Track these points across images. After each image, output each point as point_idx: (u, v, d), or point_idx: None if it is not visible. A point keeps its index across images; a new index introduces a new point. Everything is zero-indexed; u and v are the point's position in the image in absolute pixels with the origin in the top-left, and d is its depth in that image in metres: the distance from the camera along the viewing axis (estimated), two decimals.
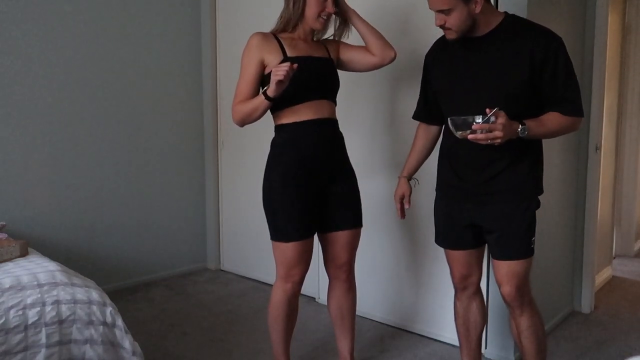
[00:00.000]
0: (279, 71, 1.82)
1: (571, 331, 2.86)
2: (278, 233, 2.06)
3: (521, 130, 1.73)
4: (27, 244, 2.27)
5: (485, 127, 1.65)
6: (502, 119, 1.66)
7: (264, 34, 2.04)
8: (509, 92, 1.80)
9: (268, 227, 2.11)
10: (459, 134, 1.72)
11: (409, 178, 2.20)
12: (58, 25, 3.13)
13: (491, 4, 1.86)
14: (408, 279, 2.82)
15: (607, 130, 3.50)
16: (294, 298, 2.14)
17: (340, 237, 2.14)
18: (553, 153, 2.75)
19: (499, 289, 1.94)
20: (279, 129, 2.08)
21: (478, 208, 1.93)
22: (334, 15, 2.08)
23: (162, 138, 3.66)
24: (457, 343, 2.59)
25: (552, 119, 1.80)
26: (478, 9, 1.76)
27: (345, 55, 2.18)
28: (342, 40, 2.20)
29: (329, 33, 2.22)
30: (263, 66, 2.01)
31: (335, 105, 2.14)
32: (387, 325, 2.91)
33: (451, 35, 1.83)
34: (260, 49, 2.00)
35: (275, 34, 2.06)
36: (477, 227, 1.97)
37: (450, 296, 2.59)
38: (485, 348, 2.57)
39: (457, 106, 1.88)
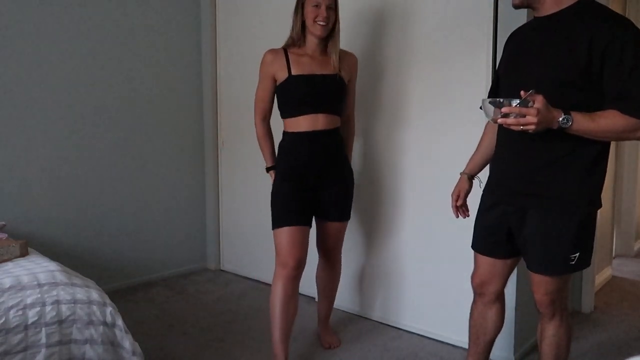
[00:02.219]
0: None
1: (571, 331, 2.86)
2: (275, 221, 2.32)
3: (563, 120, 1.54)
4: (27, 244, 2.27)
5: (516, 110, 1.50)
6: (538, 104, 1.49)
7: (275, 51, 2.31)
8: (559, 78, 1.62)
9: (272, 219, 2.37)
10: (490, 118, 1.57)
11: (470, 176, 2.06)
12: (58, 25, 3.13)
13: None
14: (409, 279, 2.82)
15: None
16: (290, 284, 2.31)
17: (329, 227, 2.46)
18: None
19: (533, 293, 1.85)
20: (283, 135, 2.37)
21: (515, 212, 1.79)
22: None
23: (162, 138, 3.66)
24: (458, 343, 2.61)
25: (608, 116, 1.58)
26: None
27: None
28: (354, 72, 2.43)
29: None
30: (275, 79, 2.31)
31: (338, 115, 2.36)
32: (387, 325, 2.91)
33: (515, 1, 1.73)
34: (271, 65, 2.29)
35: (286, 49, 2.31)
36: (511, 234, 1.83)
37: (452, 297, 2.61)
38: None
39: (507, 91, 1.72)
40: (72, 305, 1.91)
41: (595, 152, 1.67)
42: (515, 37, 1.85)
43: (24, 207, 3.07)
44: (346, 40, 2.96)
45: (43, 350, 1.83)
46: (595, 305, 3.20)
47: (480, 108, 1.64)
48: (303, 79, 2.25)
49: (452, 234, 2.56)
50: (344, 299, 3.11)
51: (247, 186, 3.63)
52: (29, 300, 1.85)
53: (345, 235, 3.05)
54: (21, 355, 1.80)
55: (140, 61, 3.50)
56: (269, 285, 3.37)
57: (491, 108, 1.56)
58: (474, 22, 2.44)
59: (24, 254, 2.20)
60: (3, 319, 1.78)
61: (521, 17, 2.31)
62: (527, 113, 1.49)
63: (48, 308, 1.86)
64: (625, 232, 4.42)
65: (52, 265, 2.04)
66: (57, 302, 1.88)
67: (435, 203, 2.63)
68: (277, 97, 2.35)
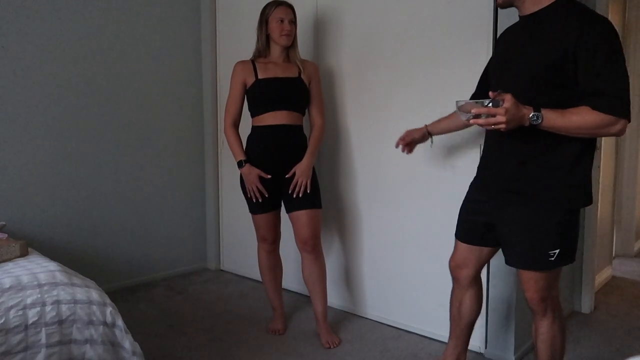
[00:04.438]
0: (252, 188, 2.62)
1: (571, 331, 2.86)
2: (249, 208, 2.73)
3: (533, 117, 1.58)
4: (27, 244, 2.27)
5: (484, 111, 1.55)
6: (507, 103, 1.54)
7: (244, 62, 2.68)
8: (532, 76, 1.67)
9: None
10: (464, 117, 1.63)
11: (429, 132, 2.22)
12: (58, 25, 3.13)
13: None
14: (410, 279, 2.82)
15: None
16: (271, 255, 2.82)
17: (298, 217, 2.62)
18: None
19: (524, 292, 1.87)
20: (251, 129, 2.69)
21: (496, 208, 1.84)
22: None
23: (162, 138, 3.66)
24: None
25: (580, 112, 1.60)
26: None
27: (310, 90, 2.70)
28: (314, 77, 2.70)
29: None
30: (245, 85, 2.65)
31: (300, 113, 2.67)
32: (388, 325, 2.91)
33: (499, 0, 1.80)
34: (241, 73, 2.64)
35: (253, 60, 2.67)
36: (491, 226, 1.89)
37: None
38: (486, 348, 2.57)
39: (495, 89, 1.76)
40: (72, 305, 1.91)
41: (576, 150, 1.69)
42: (504, 36, 1.90)
43: (24, 207, 3.07)
44: (346, 40, 2.97)
45: (43, 351, 1.83)
46: (595, 305, 3.20)
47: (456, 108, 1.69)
48: (268, 81, 2.60)
49: (453, 234, 2.55)
50: (344, 298, 3.11)
51: None
52: (29, 300, 1.85)
53: (346, 235, 3.06)
54: (21, 355, 1.80)
55: (141, 61, 3.50)
56: None
57: (465, 109, 1.61)
58: (474, 23, 2.44)
59: (24, 254, 2.20)
60: (3, 319, 1.78)
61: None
62: (495, 112, 1.54)
63: (48, 308, 1.86)
64: (625, 232, 4.42)
65: (52, 265, 2.04)
66: (57, 302, 1.88)
67: (437, 203, 2.64)
68: (247, 99, 2.67)
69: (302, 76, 2.65)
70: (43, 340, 1.84)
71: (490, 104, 1.55)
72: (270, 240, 2.77)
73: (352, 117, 2.98)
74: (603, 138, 3.10)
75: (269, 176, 2.60)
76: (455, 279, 2.11)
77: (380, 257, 2.94)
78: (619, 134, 1.64)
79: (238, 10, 3.61)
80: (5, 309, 1.79)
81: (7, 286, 1.85)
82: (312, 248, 2.63)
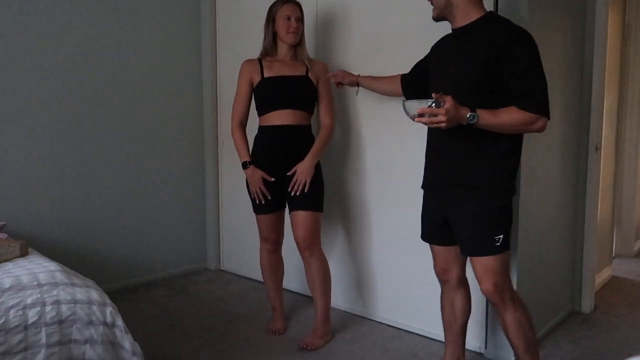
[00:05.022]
0: (255, 190, 2.63)
1: (571, 331, 2.86)
2: (253, 207, 2.72)
3: (470, 117, 1.78)
4: (27, 244, 2.27)
5: (427, 110, 1.73)
6: (447, 104, 1.72)
7: (251, 60, 2.66)
8: (466, 82, 1.87)
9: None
10: (410, 116, 1.80)
11: (358, 82, 2.57)
12: (58, 25, 3.13)
13: None
14: (410, 279, 2.82)
15: (607, 130, 3.50)
16: (272, 255, 2.80)
17: (295, 217, 2.60)
18: (552, 153, 2.76)
19: (481, 290, 1.98)
20: (258, 129, 2.68)
21: (444, 203, 2.01)
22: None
23: (162, 138, 3.66)
24: None
25: (508, 112, 1.82)
26: None
27: (318, 89, 2.68)
28: (325, 76, 2.67)
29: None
30: (251, 83, 2.64)
31: (307, 112, 2.64)
32: (388, 325, 2.91)
33: (433, 13, 2.00)
34: (248, 72, 2.63)
35: (260, 59, 2.65)
36: (448, 221, 2.03)
37: None
38: (486, 348, 2.57)
39: (432, 92, 1.93)
40: (72, 305, 1.91)
41: (505, 146, 1.90)
42: (439, 45, 2.10)
43: (24, 207, 3.07)
44: (347, 39, 2.97)
45: (43, 350, 1.83)
46: (595, 305, 3.20)
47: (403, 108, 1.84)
48: (274, 80, 2.58)
49: None
50: (344, 298, 3.11)
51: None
52: (29, 300, 1.85)
53: (346, 235, 3.06)
54: (21, 355, 1.80)
55: (141, 61, 3.50)
56: None
57: (410, 108, 1.79)
58: None
59: (24, 254, 2.20)
60: (3, 319, 1.78)
61: (521, 19, 2.32)
62: (437, 112, 1.73)
63: (48, 308, 1.86)
64: (625, 232, 4.41)
65: (52, 265, 2.04)
66: (57, 302, 1.88)
67: None
68: (254, 98, 2.66)
69: (310, 75, 2.62)
70: (43, 340, 1.84)
71: (434, 105, 1.73)
72: (272, 241, 2.76)
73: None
74: (602, 139, 3.11)
75: (273, 179, 2.59)
76: (443, 283, 2.21)
77: (380, 258, 2.94)
78: (540, 130, 1.88)
79: (238, 10, 3.61)
80: (5, 309, 1.79)
81: (7, 286, 1.85)
82: (305, 249, 2.60)
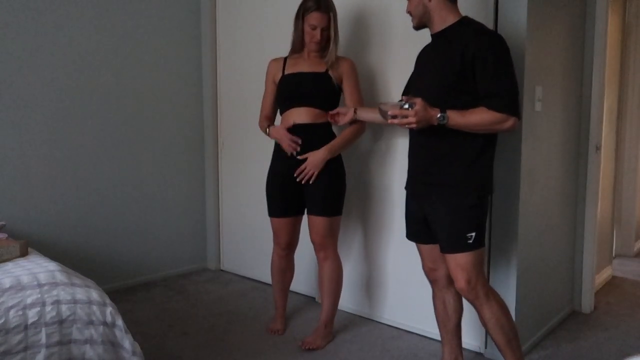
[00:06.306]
0: (287, 143, 2.51)
1: (571, 331, 2.86)
2: (268, 209, 2.71)
3: (440, 117, 1.86)
4: (27, 244, 2.27)
5: (398, 112, 1.84)
6: (417, 106, 1.83)
7: (276, 59, 2.66)
8: (442, 84, 1.94)
9: None
10: (384, 116, 1.89)
11: (354, 118, 2.49)
12: (58, 25, 3.13)
13: (452, 3, 2.00)
14: (410, 279, 2.82)
15: (607, 130, 3.50)
16: (283, 259, 2.77)
17: (312, 220, 2.59)
18: (552, 153, 2.76)
19: (457, 288, 2.02)
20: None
21: (422, 201, 2.07)
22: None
23: (162, 138, 3.66)
24: None
25: (478, 112, 1.88)
26: (432, 0, 1.97)
27: (343, 88, 2.60)
28: (348, 74, 2.56)
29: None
30: (275, 82, 2.64)
31: (324, 110, 2.54)
32: (388, 325, 2.91)
33: (412, 22, 2.08)
34: (272, 70, 2.65)
35: (286, 58, 2.63)
36: (427, 221, 2.09)
37: None
38: (485, 348, 2.57)
39: (415, 96, 1.99)
40: (72, 305, 1.91)
41: (479, 145, 1.95)
42: (421, 54, 2.18)
43: (24, 207, 3.07)
44: (347, 39, 2.96)
45: (43, 351, 1.83)
46: (595, 305, 3.20)
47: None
48: (292, 77, 2.56)
49: None
50: (344, 298, 3.11)
51: (247, 186, 3.63)
52: (29, 300, 1.84)
53: (346, 235, 3.05)
54: (21, 355, 1.80)
55: (140, 61, 3.50)
56: (268, 285, 3.39)
57: (385, 110, 1.89)
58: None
59: (24, 254, 2.20)
60: (3, 319, 1.78)
61: (521, 19, 2.32)
62: (407, 114, 1.84)
63: (48, 308, 1.86)
64: (625, 232, 4.41)
65: (52, 265, 2.04)
66: (57, 302, 1.88)
67: None
68: (276, 96, 2.66)
69: (330, 72, 2.52)
70: (43, 340, 1.83)
71: (405, 106, 1.84)
72: (283, 245, 2.73)
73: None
74: (602, 140, 3.11)
75: (300, 141, 2.49)
76: (433, 282, 2.24)
77: (381, 258, 2.94)
78: (510, 129, 1.91)
79: (238, 10, 3.61)
80: (5, 309, 1.79)
81: (7, 286, 1.85)
82: (319, 250, 2.62)
